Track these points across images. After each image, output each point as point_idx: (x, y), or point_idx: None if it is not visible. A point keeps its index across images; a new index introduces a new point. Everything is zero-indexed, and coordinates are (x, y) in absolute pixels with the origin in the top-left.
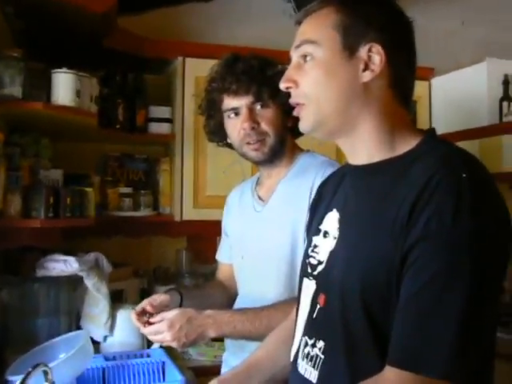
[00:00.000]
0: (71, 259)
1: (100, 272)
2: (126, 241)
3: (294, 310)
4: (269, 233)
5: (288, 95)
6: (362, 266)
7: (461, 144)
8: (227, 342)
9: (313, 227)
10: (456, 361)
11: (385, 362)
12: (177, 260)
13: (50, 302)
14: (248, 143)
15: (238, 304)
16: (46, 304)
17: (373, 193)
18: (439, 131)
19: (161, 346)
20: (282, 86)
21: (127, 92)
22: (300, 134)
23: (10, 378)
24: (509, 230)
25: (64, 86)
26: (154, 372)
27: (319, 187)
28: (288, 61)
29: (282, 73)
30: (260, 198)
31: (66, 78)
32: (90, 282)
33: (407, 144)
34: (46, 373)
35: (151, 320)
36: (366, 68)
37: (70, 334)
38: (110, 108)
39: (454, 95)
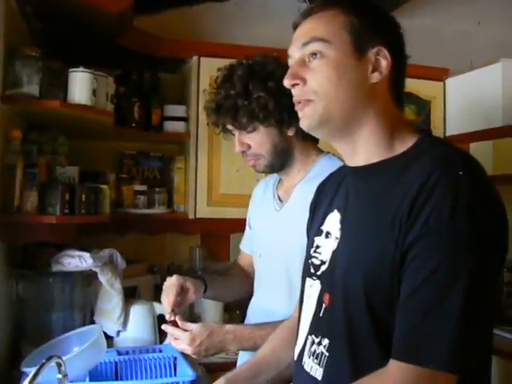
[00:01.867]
0: (86, 255)
1: (114, 268)
2: (140, 238)
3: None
4: (284, 234)
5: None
6: (364, 266)
7: (475, 145)
8: None
9: (314, 228)
10: (455, 353)
11: (388, 359)
12: (190, 257)
13: (64, 296)
14: (247, 161)
15: (251, 306)
16: (60, 298)
17: (372, 193)
18: (453, 132)
19: None
20: (288, 83)
21: (143, 91)
22: (311, 136)
23: (25, 370)
24: (506, 228)
25: (81, 85)
26: (165, 367)
27: (318, 187)
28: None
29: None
30: (279, 198)
31: (82, 76)
32: (103, 278)
33: (404, 144)
34: (59, 365)
35: (180, 325)
36: (374, 70)
37: (84, 328)
38: (125, 107)
39: (469, 96)
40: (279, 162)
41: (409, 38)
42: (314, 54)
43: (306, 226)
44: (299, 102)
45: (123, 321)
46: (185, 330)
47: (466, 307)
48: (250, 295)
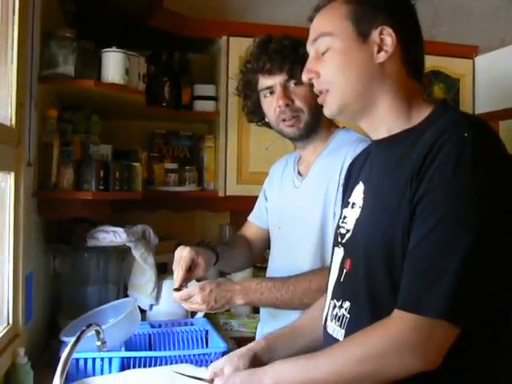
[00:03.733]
0: (120, 230)
1: (147, 243)
2: (170, 215)
3: (320, 278)
4: (304, 206)
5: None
6: (382, 229)
7: (504, 123)
8: (261, 312)
9: (344, 202)
10: (453, 303)
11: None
12: (220, 235)
13: (99, 270)
14: (283, 120)
15: (270, 274)
16: (95, 273)
17: (390, 162)
18: (482, 110)
19: (204, 316)
20: (305, 77)
21: (173, 71)
22: None
23: (64, 339)
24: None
25: (114, 65)
26: (197, 339)
27: (349, 167)
28: None
29: None
30: (299, 173)
31: (115, 56)
32: (137, 253)
33: (421, 115)
34: (98, 332)
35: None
36: (380, 50)
37: (119, 300)
38: (156, 86)
39: (499, 73)
40: (314, 124)
41: (439, 15)
42: (325, 49)
43: (325, 195)
44: (320, 93)
45: (156, 295)
46: None
47: (468, 259)
48: (252, 264)
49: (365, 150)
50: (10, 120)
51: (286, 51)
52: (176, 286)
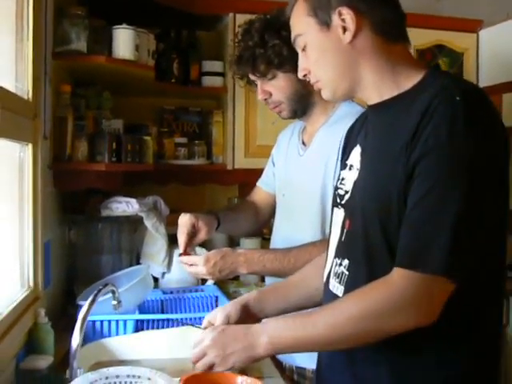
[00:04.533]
0: (133, 201)
1: (158, 213)
2: (181, 188)
3: (321, 249)
4: (306, 175)
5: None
6: (377, 190)
7: (507, 96)
8: (266, 280)
9: (342, 164)
10: (450, 259)
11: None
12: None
13: (112, 240)
14: (270, 108)
15: (273, 239)
16: (109, 242)
17: (385, 125)
18: (486, 83)
19: (214, 283)
20: (300, 75)
21: (181, 48)
22: None
23: (81, 303)
24: (503, 144)
25: (124, 41)
26: (207, 305)
27: (347, 132)
28: None
29: (281, 40)
30: (303, 142)
31: (125, 33)
32: (149, 223)
33: (411, 80)
34: (113, 292)
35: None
36: (345, 30)
37: (132, 268)
38: (165, 63)
39: (502, 47)
40: (300, 107)
41: None
42: (303, 47)
43: (325, 164)
44: (317, 83)
45: (168, 263)
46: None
47: (462, 218)
48: (259, 229)
49: (362, 116)
50: (27, 94)
51: (253, 50)
52: (181, 250)
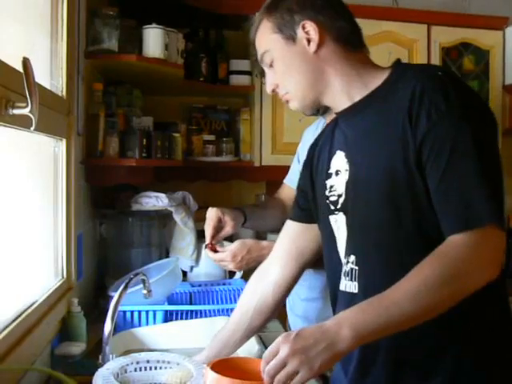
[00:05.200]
0: (162, 195)
1: (187, 208)
2: (209, 185)
3: None
4: None
5: None
6: (380, 176)
7: None
8: None
9: (319, 178)
10: (493, 207)
11: (409, 251)
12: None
13: (142, 234)
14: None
15: None
16: (139, 236)
17: (368, 120)
18: None
19: (241, 277)
20: (269, 91)
21: (209, 47)
22: None
23: (112, 294)
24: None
25: (154, 40)
26: (235, 297)
27: (311, 147)
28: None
29: None
30: None
31: (155, 32)
32: (178, 217)
33: (379, 77)
34: (144, 281)
35: (218, 248)
36: (309, 41)
37: (161, 261)
38: (194, 62)
39: None
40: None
41: None
42: (270, 63)
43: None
44: (284, 97)
45: (196, 257)
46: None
47: (485, 173)
48: None
49: (324, 130)
50: (62, 91)
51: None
52: (207, 242)
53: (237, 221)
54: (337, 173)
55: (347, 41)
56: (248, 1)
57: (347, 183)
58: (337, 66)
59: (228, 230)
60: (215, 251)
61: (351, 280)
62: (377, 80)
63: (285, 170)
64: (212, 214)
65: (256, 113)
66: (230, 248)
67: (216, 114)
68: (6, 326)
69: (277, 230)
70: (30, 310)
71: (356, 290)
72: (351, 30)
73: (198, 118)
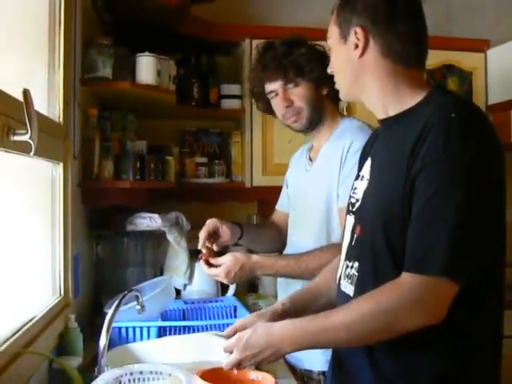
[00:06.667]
0: (155, 216)
1: (180, 228)
2: (201, 205)
3: (328, 254)
4: (312, 188)
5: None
6: (382, 200)
7: None
8: (278, 280)
9: (356, 175)
10: (451, 261)
11: (400, 272)
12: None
13: (137, 254)
14: (288, 117)
15: (286, 250)
16: (134, 256)
17: (391, 139)
18: (495, 100)
19: (234, 295)
20: (329, 71)
21: (201, 72)
22: (337, 99)
23: (107, 311)
24: (496, 156)
25: (146, 68)
26: (226, 314)
27: (364, 145)
28: None
29: (309, 51)
30: (310, 158)
31: (148, 60)
32: (171, 237)
33: (415, 98)
34: (137, 297)
35: (211, 261)
36: (356, 47)
37: (155, 279)
38: (186, 87)
39: (510, 66)
40: (315, 117)
41: (452, 11)
42: (329, 49)
43: (329, 178)
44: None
45: (189, 276)
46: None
47: (460, 225)
48: (281, 247)
49: (376, 130)
50: (59, 117)
51: (280, 58)
52: (200, 246)
53: (234, 233)
54: (362, 178)
55: (396, 57)
56: (238, 28)
57: (365, 192)
58: (376, 76)
59: (224, 239)
60: (209, 264)
61: (350, 284)
62: (412, 100)
63: (275, 190)
64: (210, 221)
65: (247, 135)
66: (224, 264)
67: (208, 137)
68: (7, 339)
69: (271, 251)
70: (29, 325)
71: (352, 294)
72: (405, 48)
73: (190, 141)
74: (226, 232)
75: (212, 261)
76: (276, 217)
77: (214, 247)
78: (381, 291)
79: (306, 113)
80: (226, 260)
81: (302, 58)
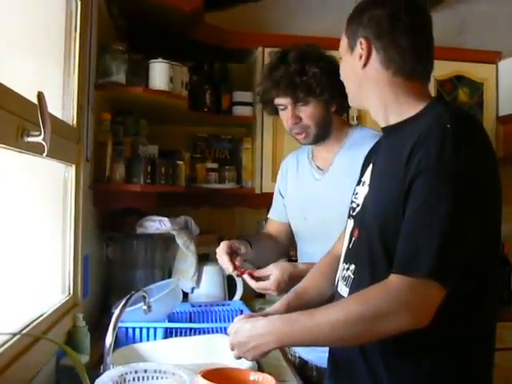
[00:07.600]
0: (165, 219)
1: (189, 232)
2: (211, 211)
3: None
4: (330, 198)
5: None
6: (379, 206)
7: None
8: None
9: (358, 181)
10: (439, 265)
11: None
12: (257, 230)
13: (146, 256)
14: (295, 132)
15: (302, 259)
16: (143, 258)
17: (390, 147)
18: (506, 112)
19: (241, 299)
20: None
21: (213, 79)
22: (344, 112)
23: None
24: (490, 168)
25: (160, 74)
26: (233, 318)
27: (367, 154)
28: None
29: (321, 69)
30: (318, 167)
31: (161, 66)
32: (180, 240)
33: (415, 108)
34: (144, 297)
35: (255, 274)
36: (361, 58)
37: (163, 281)
38: (198, 94)
39: None
40: (322, 134)
41: (465, 23)
42: (340, 56)
43: (351, 189)
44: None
45: (197, 279)
46: (259, 279)
47: (448, 230)
48: (281, 256)
49: (380, 138)
50: (72, 120)
51: (291, 76)
52: (231, 269)
53: (245, 245)
54: (363, 183)
55: (396, 68)
56: (251, 36)
57: (365, 197)
58: (378, 87)
59: (244, 252)
60: (255, 278)
61: (345, 286)
62: (412, 111)
63: None
64: (222, 244)
65: (257, 142)
66: (273, 276)
67: (219, 143)
68: (15, 334)
69: (270, 263)
70: (38, 321)
71: (346, 296)
72: (405, 61)
73: (202, 147)
74: (240, 245)
75: (255, 273)
76: (270, 227)
77: (238, 262)
78: (368, 291)
79: (312, 130)
80: (272, 271)
81: (314, 79)
